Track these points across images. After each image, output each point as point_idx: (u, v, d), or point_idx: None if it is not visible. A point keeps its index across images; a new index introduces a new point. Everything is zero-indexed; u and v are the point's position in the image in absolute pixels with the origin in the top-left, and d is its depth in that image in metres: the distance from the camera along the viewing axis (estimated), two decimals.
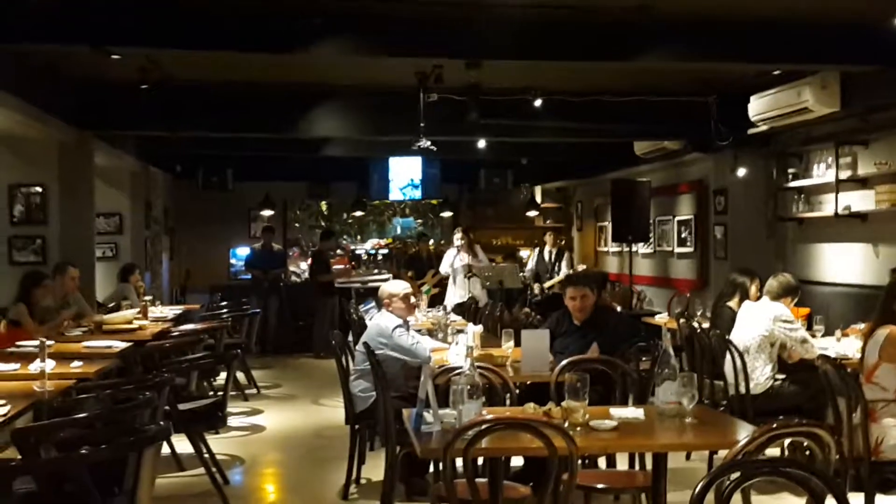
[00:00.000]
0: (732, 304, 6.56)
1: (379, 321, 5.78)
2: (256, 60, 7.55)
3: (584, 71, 7.94)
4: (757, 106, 8.26)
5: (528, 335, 5.31)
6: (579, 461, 5.07)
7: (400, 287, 5.89)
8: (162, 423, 3.70)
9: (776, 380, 5.88)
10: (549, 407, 3.75)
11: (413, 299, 5.92)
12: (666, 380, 3.90)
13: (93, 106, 8.74)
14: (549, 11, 5.97)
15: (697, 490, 2.35)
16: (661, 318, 9.19)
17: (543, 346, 5.28)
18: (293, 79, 8.55)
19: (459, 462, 3.27)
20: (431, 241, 14.35)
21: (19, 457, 3.68)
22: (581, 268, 11.62)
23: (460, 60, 6.29)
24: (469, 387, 3.56)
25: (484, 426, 3.16)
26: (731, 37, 6.37)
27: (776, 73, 7.57)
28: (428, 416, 3.66)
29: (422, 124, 8.02)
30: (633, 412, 3.92)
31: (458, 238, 11.20)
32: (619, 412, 3.90)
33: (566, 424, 3.58)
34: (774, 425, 2.89)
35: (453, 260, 11.11)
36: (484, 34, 5.92)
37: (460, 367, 4.15)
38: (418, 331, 6.97)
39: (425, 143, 8.10)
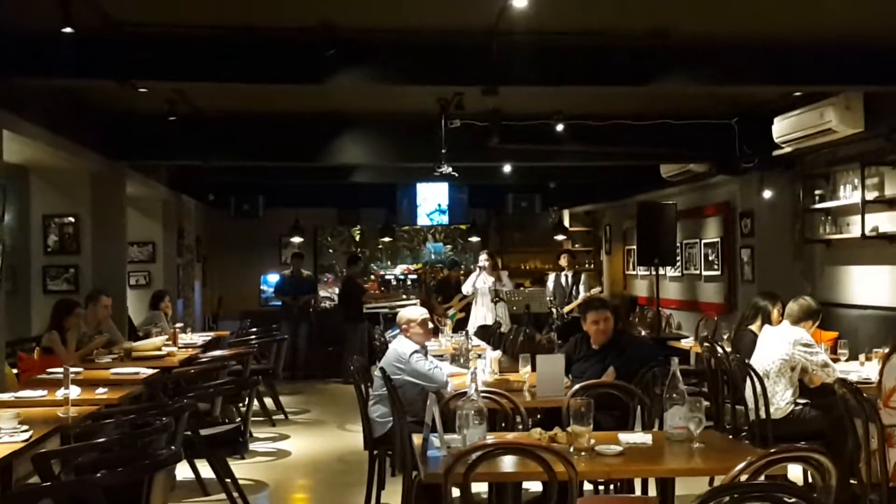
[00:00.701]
0: (754, 327, 6.51)
1: (397, 347, 5.84)
2: (282, 91, 7.69)
3: (605, 95, 7.97)
4: (781, 127, 8.24)
5: (542, 360, 5.33)
6: (597, 486, 5.11)
7: (417, 313, 5.95)
8: (173, 447, 3.77)
9: (797, 405, 5.82)
10: (555, 432, 3.78)
11: (431, 325, 5.96)
12: (674, 405, 3.91)
13: (123, 137, 8.98)
14: (564, 38, 6.04)
15: None
16: (687, 343, 9.14)
17: (558, 370, 5.30)
18: (318, 108, 8.69)
19: (478, 487, 3.29)
20: (463, 269, 14.40)
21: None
22: (596, 290, 11.56)
23: (477, 88, 6.35)
24: (474, 412, 3.60)
25: (483, 451, 3.19)
26: (748, 59, 6.38)
27: (797, 94, 7.54)
28: (435, 440, 3.70)
29: (443, 150, 8.11)
30: (641, 437, 3.93)
31: (483, 259, 11.21)
32: (627, 437, 3.90)
33: (571, 449, 3.60)
34: (772, 450, 2.89)
35: (476, 280, 11.11)
36: (499, 61, 5.98)
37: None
38: (440, 356, 7.03)
39: (447, 168, 8.19)
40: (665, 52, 5.89)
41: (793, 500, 2.42)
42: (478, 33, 5.80)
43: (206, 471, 6.09)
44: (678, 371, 3.93)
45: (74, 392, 5.10)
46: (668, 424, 3.88)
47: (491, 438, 3.56)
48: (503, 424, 4.63)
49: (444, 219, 13.93)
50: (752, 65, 6.36)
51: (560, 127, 8.50)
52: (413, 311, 5.96)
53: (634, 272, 13.73)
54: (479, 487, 4.38)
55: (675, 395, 3.89)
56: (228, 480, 5.79)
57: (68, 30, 5.09)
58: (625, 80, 6.35)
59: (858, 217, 8.22)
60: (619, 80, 6.36)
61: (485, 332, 9.87)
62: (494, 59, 5.92)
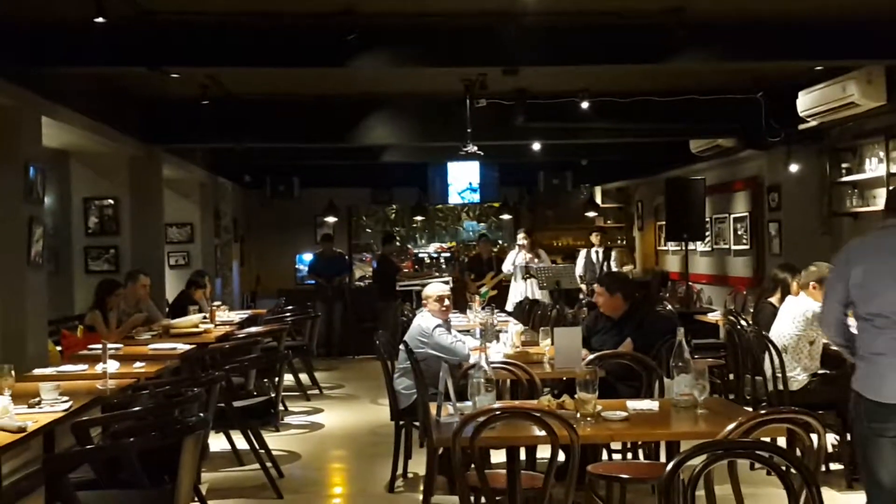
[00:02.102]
0: (774, 300, 6.60)
1: (420, 321, 6.03)
2: (310, 74, 7.89)
3: (630, 72, 8.04)
4: (805, 101, 8.25)
5: (560, 333, 5.49)
6: (611, 454, 5.27)
7: (435, 289, 6.12)
8: (202, 414, 4.00)
9: (815, 376, 5.92)
10: (563, 399, 3.94)
11: (448, 302, 6.12)
12: (680, 372, 4.05)
13: (160, 122, 9.27)
14: (579, 18, 6.14)
15: (670, 467, 2.52)
16: (714, 316, 9.22)
17: (576, 343, 5.44)
18: (347, 90, 8.88)
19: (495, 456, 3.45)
20: (498, 245, 14.56)
21: None
22: (628, 268, 11.65)
23: (497, 68, 6.49)
24: (484, 380, 3.78)
25: (488, 416, 3.37)
26: (766, 35, 6.42)
27: (818, 68, 7.55)
28: (448, 408, 3.89)
29: (469, 130, 8.25)
30: (647, 404, 4.08)
31: (521, 237, 11.37)
32: (634, 404, 4.06)
33: (578, 415, 3.76)
34: (762, 412, 3.03)
35: (515, 258, 11.28)
36: (518, 42, 6.12)
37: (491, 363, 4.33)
38: (466, 331, 7.21)
39: (473, 148, 8.33)
40: (680, 29, 5.95)
41: (767, 455, 2.56)
42: (495, 15, 5.93)
43: (241, 442, 6.36)
44: (684, 341, 4.06)
45: (113, 366, 5.38)
46: (673, 392, 4.02)
47: (499, 405, 3.74)
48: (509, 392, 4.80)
49: (476, 197, 14.08)
50: (769, 40, 6.39)
51: (586, 105, 8.58)
52: (431, 288, 6.14)
53: (666, 248, 13.77)
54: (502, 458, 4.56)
55: (680, 364, 4.03)
56: (262, 451, 6.05)
57: (100, 20, 5.32)
58: (641, 58, 6.43)
59: (884, 190, 8.21)
60: (636, 58, 6.44)
61: (520, 307, 10.03)
62: (512, 40, 6.05)
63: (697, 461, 2.65)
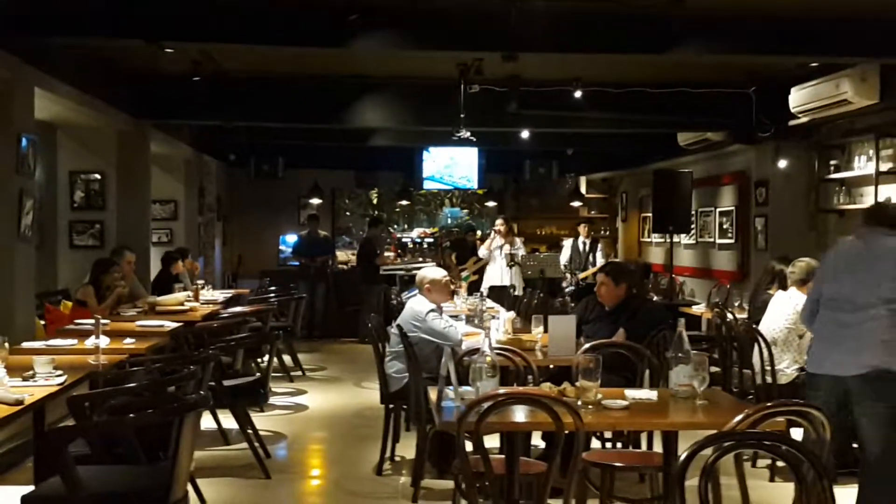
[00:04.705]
0: (773, 291, 6.64)
1: (414, 305, 6.02)
2: (305, 53, 7.82)
3: (624, 62, 8.05)
4: (797, 98, 8.30)
5: (555, 321, 5.50)
6: (604, 443, 5.30)
7: (439, 273, 6.11)
8: (202, 392, 3.97)
9: (803, 370, 5.97)
10: (564, 386, 3.95)
11: (451, 286, 6.12)
12: (679, 363, 4.07)
13: (149, 96, 9.15)
14: (582, 5, 6.13)
15: (682, 459, 2.53)
16: (699, 309, 9.29)
17: (570, 331, 5.46)
18: (340, 70, 8.83)
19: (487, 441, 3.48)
20: (479, 233, 14.57)
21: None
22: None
23: (497, 54, 6.46)
24: (486, 365, 3.78)
25: (494, 401, 3.37)
26: (765, 30, 6.45)
27: (814, 65, 7.60)
28: (450, 392, 3.89)
29: (462, 115, 8.23)
30: (646, 393, 4.10)
31: (498, 223, 11.40)
32: (633, 393, 4.08)
33: (579, 403, 3.77)
34: (769, 404, 3.05)
35: (491, 243, 11.33)
36: (519, 28, 6.08)
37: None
38: (455, 316, 7.21)
39: (465, 133, 8.31)
40: (681, 20, 5.97)
41: (783, 447, 2.59)
42: (497, 0, 5.90)
43: (226, 422, 6.34)
44: (684, 332, 4.08)
45: (104, 342, 5.33)
46: (672, 382, 4.04)
47: (503, 391, 3.73)
48: (514, 383, 4.81)
49: (463, 182, 14.07)
50: (768, 35, 6.43)
51: (578, 94, 8.59)
52: (434, 272, 6.12)
53: (649, 239, 13.85)
54: (492, 444, 4.57)
55: (680, 355, 4.05)
56: (250, 431, 6.03)
57: None
58: (641, 48, 6.44)
59: (872, 188, 8.30)
60: (636, 48, 6.45)
61: (496, 293, 10.05)
62: (513, 26, 6.02)
63: (705, 452, 2.67)
